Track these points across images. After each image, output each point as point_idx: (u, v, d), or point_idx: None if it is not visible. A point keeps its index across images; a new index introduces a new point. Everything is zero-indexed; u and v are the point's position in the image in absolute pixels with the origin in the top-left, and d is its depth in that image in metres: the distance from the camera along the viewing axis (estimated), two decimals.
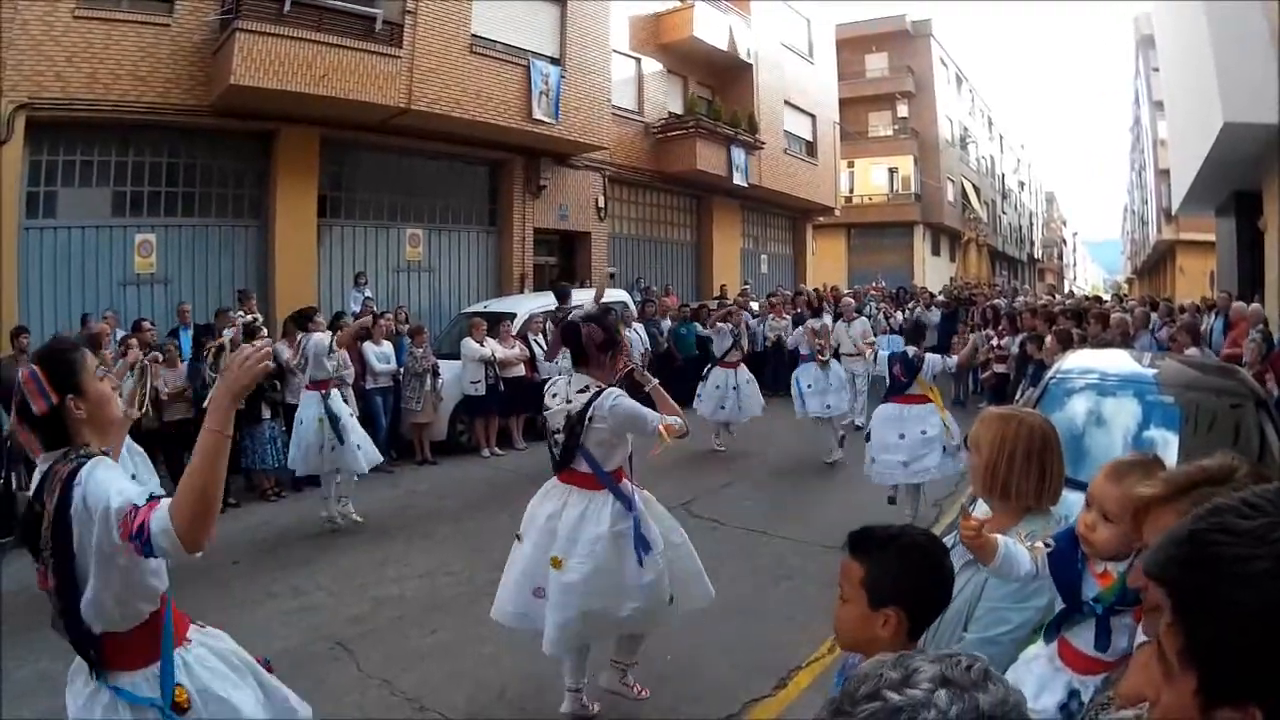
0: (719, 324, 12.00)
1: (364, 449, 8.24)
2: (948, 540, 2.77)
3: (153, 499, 2.19)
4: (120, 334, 9.98)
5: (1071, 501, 2.67)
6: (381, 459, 8.57)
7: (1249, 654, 0.87)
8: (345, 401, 8.59)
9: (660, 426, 4.08)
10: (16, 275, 10.90)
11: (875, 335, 12.25)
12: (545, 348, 11.37)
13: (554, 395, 4.30)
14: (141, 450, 6.75)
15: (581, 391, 4.19)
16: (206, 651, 2.51)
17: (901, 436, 7.56)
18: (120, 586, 2.26)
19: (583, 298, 11.70)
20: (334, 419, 8.06)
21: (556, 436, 4.24)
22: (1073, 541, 2.30)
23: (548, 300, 12.69)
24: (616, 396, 4.15)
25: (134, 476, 6.73)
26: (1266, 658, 0.86)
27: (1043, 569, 2.28)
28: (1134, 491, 1.76)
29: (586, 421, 4.11)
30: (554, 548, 4.13)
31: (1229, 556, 0.89)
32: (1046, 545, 2.27)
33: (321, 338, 8.27)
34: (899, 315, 16.90)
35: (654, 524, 4.30)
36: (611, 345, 4.34)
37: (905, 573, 1.88)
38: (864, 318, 13.07)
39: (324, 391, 8.18)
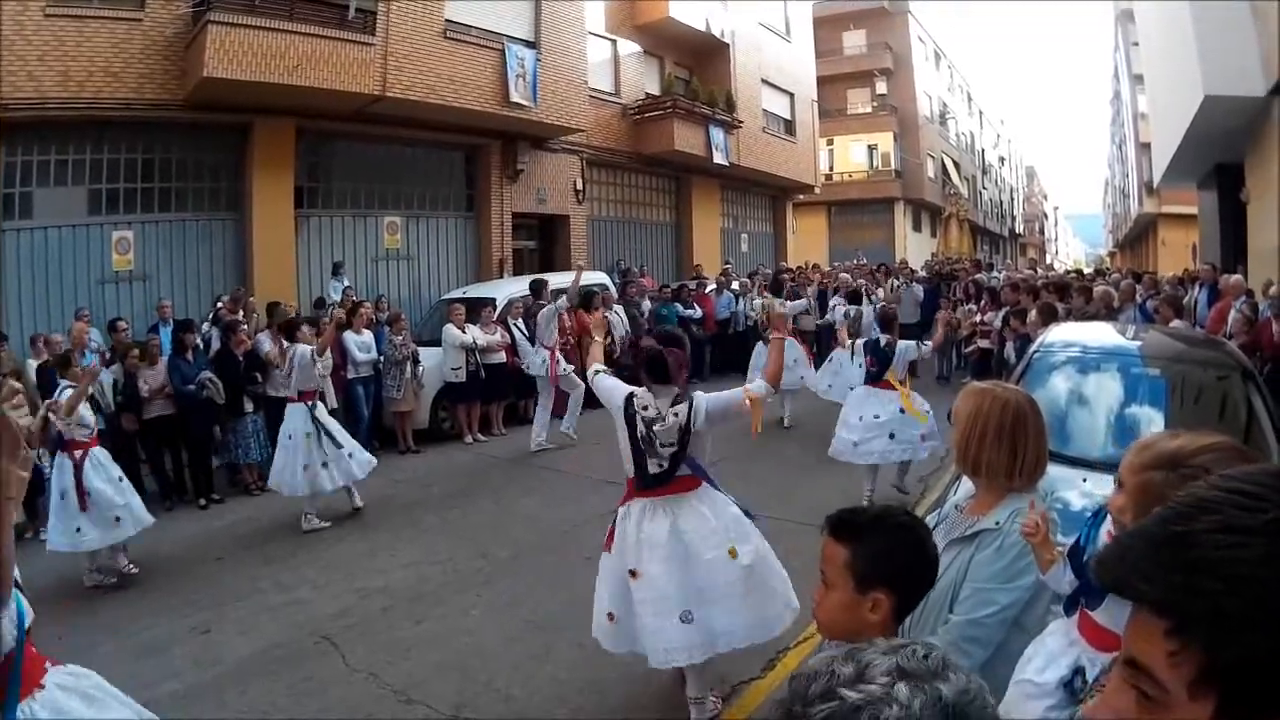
0: None
1: (355, 456, 8.22)
2: (931, 518, 2.76)
3: None
4: (95, 333, 9.93)
5: (1055, 477, 2.64)
6: (373, 461, 8.51)
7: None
8: (324, 399, 8.56)
9: (745, 399, 4.24)
10: None
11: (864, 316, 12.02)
12: (526, 333, 11.34)
13: (645, 408, 4.25)
14: (108, 461, 6.78)
15: (676, 403, 4.23)
16: (59, 691, 2.62)
17: (860, 419, 7.79)
18: None
19: (559, 281, 11.75)
20: (325, 432, 8.04)
21: (665, 449, 4.19)
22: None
23: (527, 285, 12.69)
24: (700, 398, 4.25)
25: (121, 479, 6.73)
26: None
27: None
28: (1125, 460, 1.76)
29: (692, 429, 4.20)
30: (718, 543, 4.15)
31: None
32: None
33: (305, 349, 8.16)
34: (880, 291, 16.78)
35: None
36: (687, 364, 4.60)
37: (894, 553, 1.79)
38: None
39: (310, 403, 8.11)
